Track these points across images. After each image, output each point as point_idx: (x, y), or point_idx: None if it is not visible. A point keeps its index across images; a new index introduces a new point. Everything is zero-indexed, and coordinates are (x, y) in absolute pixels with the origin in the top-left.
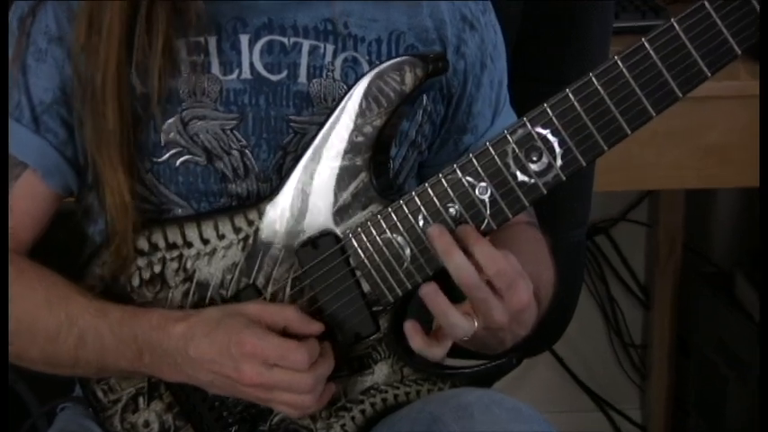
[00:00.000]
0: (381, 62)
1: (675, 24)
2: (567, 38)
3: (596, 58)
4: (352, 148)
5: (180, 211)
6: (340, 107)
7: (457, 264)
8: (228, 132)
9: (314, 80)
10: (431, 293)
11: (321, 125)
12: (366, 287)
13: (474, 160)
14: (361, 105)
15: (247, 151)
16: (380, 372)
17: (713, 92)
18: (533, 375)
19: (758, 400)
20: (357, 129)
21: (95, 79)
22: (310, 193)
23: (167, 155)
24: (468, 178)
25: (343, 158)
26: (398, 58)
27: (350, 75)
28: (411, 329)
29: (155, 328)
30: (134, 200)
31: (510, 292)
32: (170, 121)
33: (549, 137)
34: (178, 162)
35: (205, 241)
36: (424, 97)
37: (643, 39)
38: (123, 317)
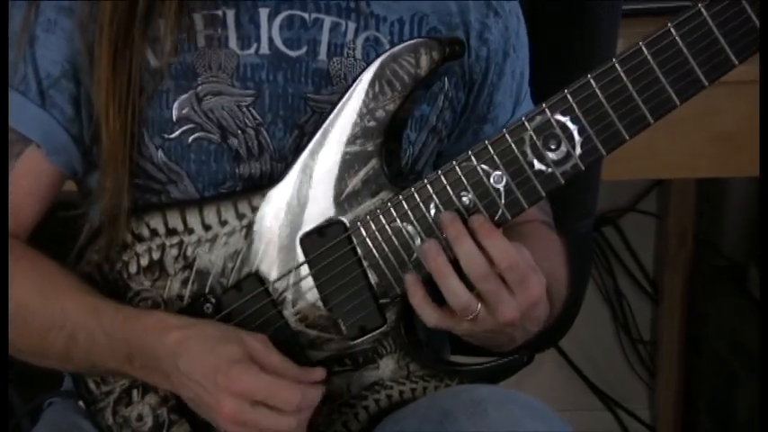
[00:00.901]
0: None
1: (703, 9)
2: (573, 38)
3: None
4: (363, 133)
5: (182, 194)
6: (351, 90)
7: (467, 251)
8: (244, 109)
9: (334, 58)
10: (432, 250)
11: (331, 108)
12: (373, 278)
13: (490, 147)
14: (373, 88)
15: (263, 129)
16: (386, 367)
17: (727, 76)
18: (538, 372)
19: (760, 386)
20: (369, 113)
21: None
22: (318, 179)
23: (179, 131)
24: (483, 166)
25: (354, 143)
26: (414, 40)
27: (371, 54)
28: (412, 281)
29: (149, 332)
30: (139, 178)
31: (522, 287)
32: (184, 96)
33: (569, 124)
34: (190, 139)
35: (207, 227)
36: (446, 82)
37: (669, 24)
38: (117, 317)
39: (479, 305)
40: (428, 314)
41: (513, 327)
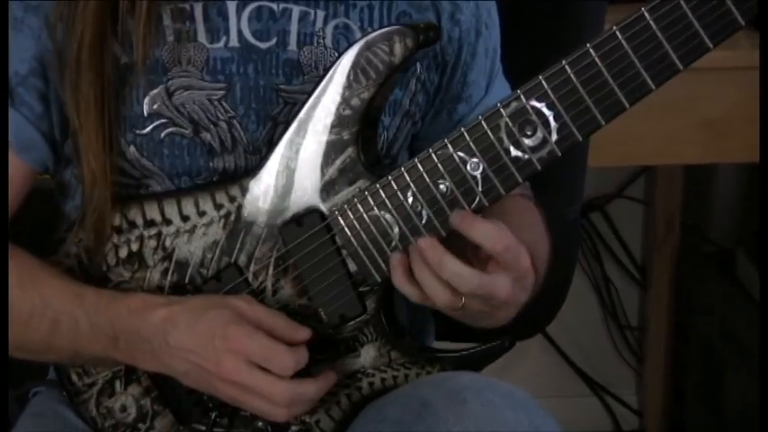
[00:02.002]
0: (373, 29)
1: None
2: (558, 27)
3: None
4: (339, 122)
5: (160, 186)
6: (326, 79)
7: (454, 273)
8: (216, 103)
9: (304, 48)
10: (428, 249)
11: (306, 98)
12: (353, 267)
13: (466, 135)
14: (348, 77)
15: (235, 122)
16: (367, 355)
17: (713, 62)
18: (525, 359)
19: (758, 382)
20: (344, 101)
21: (72, 49)
22: (295, 168)
23: (151, 127)
24: (460, 153)
25: (330, 132)
26: (387, 28)
27: (341, 42)
28: (395, 261)
29: (133, 313)
30: (113, 173)
31: (514, 264)
32: (154, 91)
33: (544, 110)
34: (163, 134)
35: (185, 218)
36: (418, 66)
37: (643, 9)
38: (100, 301)
39: (462, 299)
40: (409, 292)
41: (507, 303)
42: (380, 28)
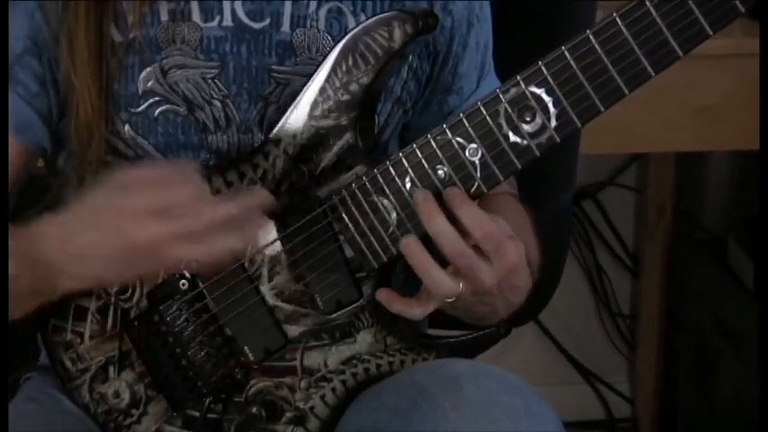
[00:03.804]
0: (366, 14)
1: None
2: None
3: None
4: (337, 107)
5: None
6: (324, 64)
7: (440, 230)
8: (209, 81)
9: (297, 29)
10: (411, 245)
11: (304, 83)
12: (349, 253)
13: (464, 120)
14: (347, 62)
15: (229, 101)
16: (363, 341)
17: (707, 50)
18: (517, 346)
19: (754, 370)
20: (343, 87)
21: (67, 23)
22: (292, 153)
23: (145, 105)
24: (459, 139)
25: (328, 118)
26: (386, 14)
27: (334, 25)
28: (385, 298)
29: (34, 241)
30: (108, 153)
31: (498, 255)
32: (148, 69)
33: (544, 96)
34: (157, 112)
35: None
36: (409, 53)
37: None
38: (18, 240)
39: (461, 285)
40: (412, 313)
41: (492, 296)
42: (373, 13)
